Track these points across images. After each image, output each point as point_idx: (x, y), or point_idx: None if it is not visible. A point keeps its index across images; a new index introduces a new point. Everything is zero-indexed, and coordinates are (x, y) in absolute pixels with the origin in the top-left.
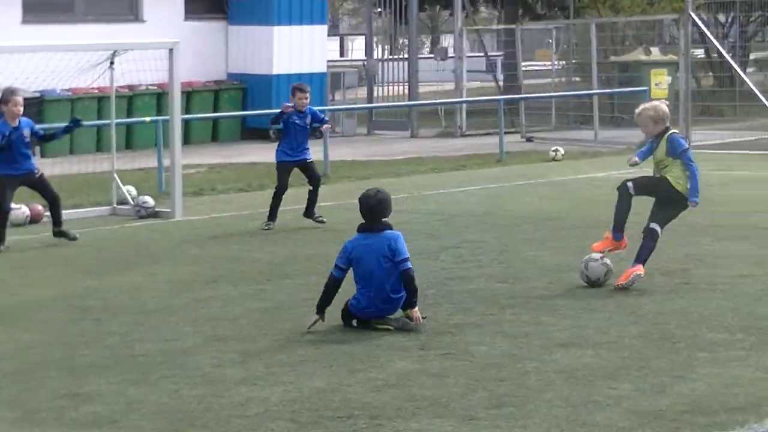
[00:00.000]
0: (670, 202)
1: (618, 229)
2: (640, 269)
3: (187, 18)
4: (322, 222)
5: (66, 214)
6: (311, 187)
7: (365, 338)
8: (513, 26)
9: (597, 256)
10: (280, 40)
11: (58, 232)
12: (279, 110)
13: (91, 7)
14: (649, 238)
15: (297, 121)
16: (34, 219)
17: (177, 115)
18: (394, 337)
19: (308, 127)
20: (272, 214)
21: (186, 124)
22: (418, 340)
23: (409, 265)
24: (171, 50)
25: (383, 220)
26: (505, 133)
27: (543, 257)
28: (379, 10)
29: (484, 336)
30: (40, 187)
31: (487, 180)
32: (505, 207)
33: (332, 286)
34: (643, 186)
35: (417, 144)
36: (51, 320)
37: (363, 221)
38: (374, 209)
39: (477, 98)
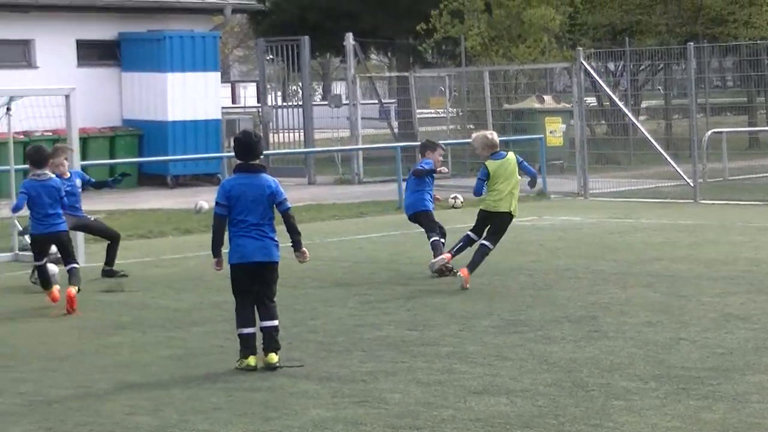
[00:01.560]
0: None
1: None
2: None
3: (79, 65)
4: None
5: None
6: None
7: (277, 386)
8: (406, 74)
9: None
10: (174, 87)
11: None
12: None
13: None
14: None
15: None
16: None
17: (76, 162)
18: (306, 384)
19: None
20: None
21: (82, 170)
22: (330, 387)
23: (289, 205)
24: (67, 96)
25: (258, 162)
26: (403, 180)
27: (451, 304)
28: (271, 57)
29: (397, 383)
30: None
31: (388, 227)
32: (408, 254)
33: (219, 225)
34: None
35: (315, 191)
36: None
37: (240, 162)
38: (252, 147)
39: (375, 145)
